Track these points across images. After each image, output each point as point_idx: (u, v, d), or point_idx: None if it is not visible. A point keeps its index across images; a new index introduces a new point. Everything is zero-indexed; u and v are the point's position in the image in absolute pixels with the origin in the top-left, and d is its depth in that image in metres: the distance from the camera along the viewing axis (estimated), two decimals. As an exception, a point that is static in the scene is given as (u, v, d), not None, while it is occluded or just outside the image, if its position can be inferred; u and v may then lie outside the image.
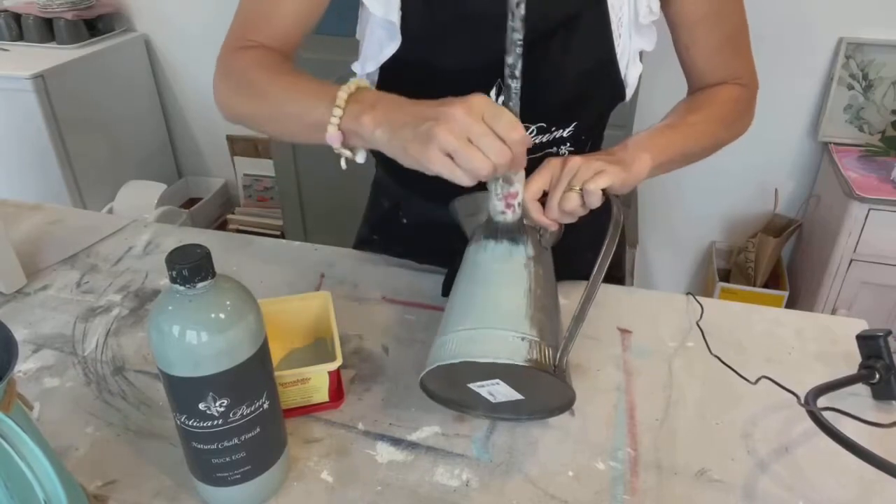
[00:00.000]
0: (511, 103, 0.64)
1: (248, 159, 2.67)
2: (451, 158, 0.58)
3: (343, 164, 0.68)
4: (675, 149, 0.74)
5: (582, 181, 0.65)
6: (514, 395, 0.64)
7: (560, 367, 0.60)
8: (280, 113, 0.71)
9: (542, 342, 0.60)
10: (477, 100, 0.58)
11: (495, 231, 0.69)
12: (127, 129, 2.54)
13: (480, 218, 0.72)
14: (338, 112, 0.64)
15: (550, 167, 0.67)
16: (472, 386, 0.64)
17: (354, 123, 0.64)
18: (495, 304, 0.64)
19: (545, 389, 0.63)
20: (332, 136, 0.65)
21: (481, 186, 0.69)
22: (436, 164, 0.58)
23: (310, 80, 0.70)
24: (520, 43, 0.61)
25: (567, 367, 0.62)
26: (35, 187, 2.35)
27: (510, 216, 0.68)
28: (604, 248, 0.63)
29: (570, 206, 0.66)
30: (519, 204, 0.67)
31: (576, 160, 0.66)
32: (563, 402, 0.65)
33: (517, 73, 0.62)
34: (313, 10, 0.78)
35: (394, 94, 0.65)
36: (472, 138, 0.57)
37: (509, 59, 0.62)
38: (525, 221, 0.69)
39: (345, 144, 0.66)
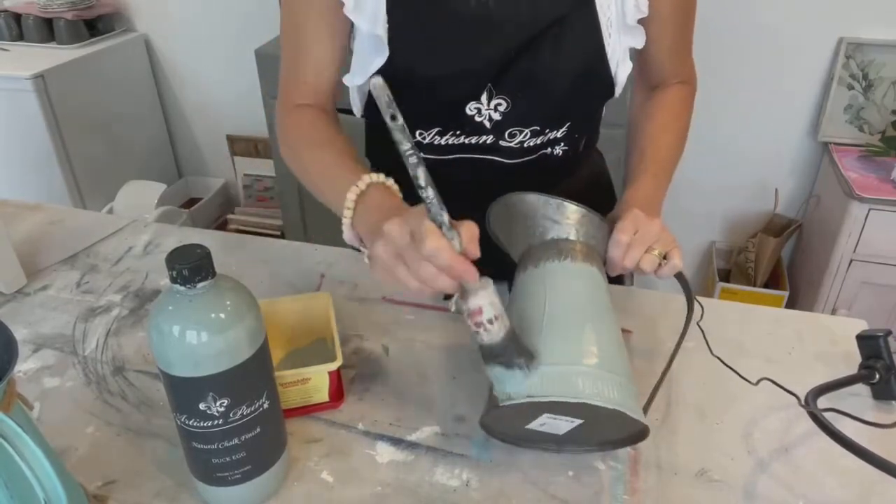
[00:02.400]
0: (435, 214, 0.54)
1: (248, 159, 2.67)
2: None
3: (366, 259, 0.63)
4: (665, 190, 0.80)
5: (665, 249, 0.69)
6: (570, 427, 0.61)
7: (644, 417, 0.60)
8: (317, 194, 0.76)
9: (635, 388, 0.60)
10: (410, 217, 0.56)
11: (570, 251, 0.66)
12: (127, 129, 2.54)
13: (546, 232, 0.69)
14: (348, 214, 0.68)
15: (636, 221, 0.69)
16: (533, 424, 0.60)
17: (360, 229, 0.67)
18: (593, 338, 0.61)
19: (614, 426, 0.61)
20: (348, 238, 0.69)
21: (527, 188, 0.69)
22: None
23: (341, 161, 0.74)
24: (410, 153, 0.52)
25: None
26: (35, 187, 2.35)
27: (485, 338, 0.56)
28: (684, 328, 0.68)
29: (648, 267, 0.69)
30: (490, 321, 0.55)
31: (658, 225, 0.69)
32: (632, 437, 0.63)
33: (422, 182, 0.53)
34: (336, 62, 0.81)
35: (388, 194, 0.66)
36: (403, 257, 0.56)
37: (412, 172, 0.53)
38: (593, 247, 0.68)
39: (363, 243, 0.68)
